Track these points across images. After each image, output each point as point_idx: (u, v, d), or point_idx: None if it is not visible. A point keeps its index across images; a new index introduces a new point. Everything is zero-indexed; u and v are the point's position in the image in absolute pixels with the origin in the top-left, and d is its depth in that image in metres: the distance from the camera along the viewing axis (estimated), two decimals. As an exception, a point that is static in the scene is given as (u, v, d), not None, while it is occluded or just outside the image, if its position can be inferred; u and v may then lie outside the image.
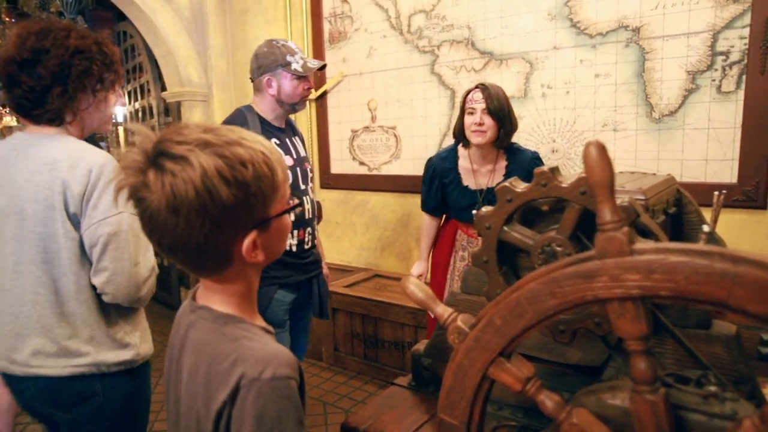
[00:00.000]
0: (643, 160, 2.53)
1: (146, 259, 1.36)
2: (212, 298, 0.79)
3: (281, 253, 0.81)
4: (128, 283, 1.31)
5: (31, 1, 5.37)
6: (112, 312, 1.38)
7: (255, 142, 0.72)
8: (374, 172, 3.49)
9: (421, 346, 1.18)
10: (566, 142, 2.73)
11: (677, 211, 1.22)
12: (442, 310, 0.76)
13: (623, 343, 0.63)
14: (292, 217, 0.79)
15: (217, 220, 0.68)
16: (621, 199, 0.79)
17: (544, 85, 2.74)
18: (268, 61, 2.05)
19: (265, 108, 2.12)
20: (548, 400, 0.69)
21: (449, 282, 2.32)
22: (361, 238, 3.64)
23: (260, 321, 0.82)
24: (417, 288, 0.78)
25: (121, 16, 4.42)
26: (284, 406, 0.69)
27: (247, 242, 0.72)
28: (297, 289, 2.12)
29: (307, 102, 2.16)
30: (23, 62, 1.23)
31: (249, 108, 2.16)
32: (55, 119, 1.31)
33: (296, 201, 0.77)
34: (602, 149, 0.60)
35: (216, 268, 0.75)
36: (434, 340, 1.13)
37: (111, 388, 1.37)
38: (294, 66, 2.03)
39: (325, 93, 3.61)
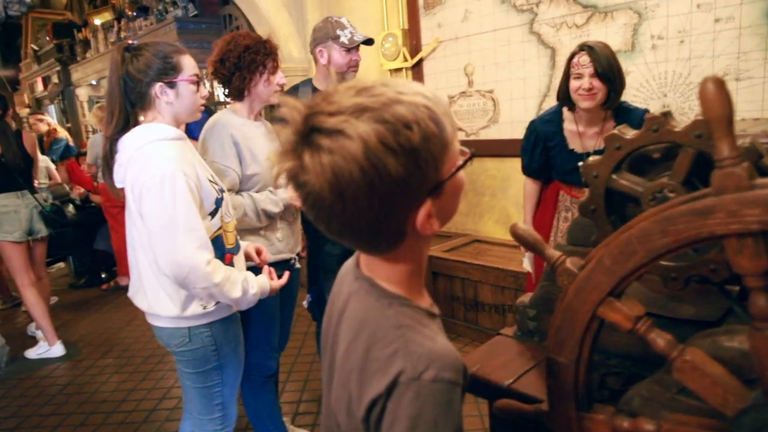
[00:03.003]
0: (772, 111, 2.31)
1: None
2: (378, 270, 0.72)
3: (456, 210, 0.72)
4: None
5: (148, -6, 5.84)
6: None
7: (415, 94, 0.61)
8: (472, 138, 3.48)
9: (525, 298, 1.20)
10: (680, 96, 2.55)
11: (810, 159, 1.13)
12: (552, 253, 0.79)
13: (742, 279, 0.62)
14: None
15: (387, 197, 0.60)
16: (743, 141, 0.76)
17: (655, 36, 2.56)
18: (320, 35, 2.32)
19: (320, 77, 2.39)
20: (660, 339, 0.70)
21: (552, 243, 2.29)
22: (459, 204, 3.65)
23: (426, 301, 0.75)
24: (526, 233, 0.81)
25: (227, 1, 4.70)
26: (441, 412, 0.62)
27: (421, 214, 0.63)
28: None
29: (356, 73, 2.41)
30: (220, 60, 1.86)
31: (306, 82, 2.45)
32: (238, 95, 1.91)
33: (468, 152, 0.67)
34: (720, 84, 0.59)
35: (389, 247, 0.67)
36: (540, 291, 1.15)
37: None
38: (342, 39, 2.28)
39: (421, 60, 3.63)
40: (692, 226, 0.62)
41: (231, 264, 1.58)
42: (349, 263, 0.79)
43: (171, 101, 1.49)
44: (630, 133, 0.87)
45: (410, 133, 0.59)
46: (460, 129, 3.53)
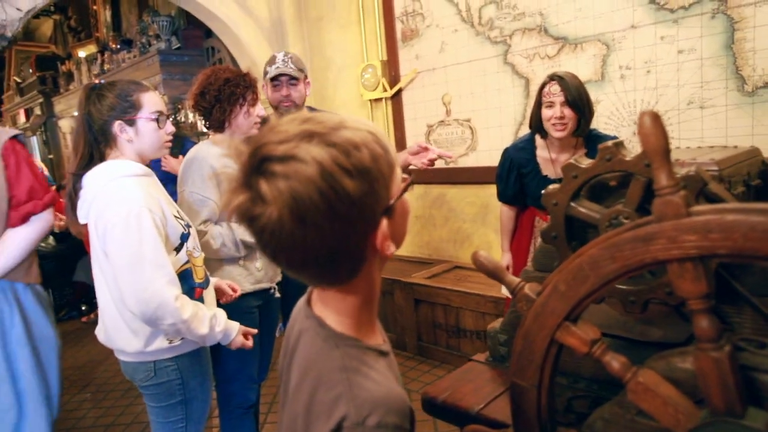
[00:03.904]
0: (735, 137, 2.39)
1: None
2: (329, 306, 0.71)
3: (405, 236, 0.72)
4: None
5: (132, 28, 5.91)
6: None
7: (357, 122, 0.65)
8: (451, 165, 3.53)
9: (496, 323, 1.22)
10: (649, 123, 2.62)
11: (763, 185, 1.18)
12: (511, 280, 0.81)
13: (685, 303, 0.65)
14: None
15: (347, 219, 0.60)
16: (688, 169, 0.80)
17: (623, 66, 2.66)
18: (262, 72, 2.35)
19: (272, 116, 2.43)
20: (614, 361, 0.72)
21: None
22: (440, 231, 3.69)
23: (377, 338, 0.75)
24: (486, 260, 0.84)
25: (209, 34, 4.77)
26: None
27: (380, 234, 0.64)
28: None
29: (290, 108, 2.31)
30: (200, 93, 1.89)
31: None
32: (218, 126, 1.93)
33: (408, 178, 0.70)
34: (656, 117, 0.63)
35: (349, 274, 0.67)
36: (509, 317, 1.17)
37: None
38: (269, 74, 2.28)
39: (400, 90, 3.70)
40: (637, 252, 0.65)
41: (201, 298, 1.58)
42: (302, 300, 0.78)
43: (131, 139, 1.50)
44: (585, 163, 0.91)
45: (360, 154, 0.60)
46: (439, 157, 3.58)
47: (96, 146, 1.50)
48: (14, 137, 1.84)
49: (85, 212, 1.48)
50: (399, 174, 0.68)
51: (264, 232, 0.60)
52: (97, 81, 1.54)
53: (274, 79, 2.28)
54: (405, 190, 0.68)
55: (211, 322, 1.50)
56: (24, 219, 1.83)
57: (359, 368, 0.66)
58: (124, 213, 1.39)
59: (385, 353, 0.74)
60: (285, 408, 0.74)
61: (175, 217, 1.55)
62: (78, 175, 1.50)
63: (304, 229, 0.59)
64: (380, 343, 0.74)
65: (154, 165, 3.34)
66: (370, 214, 0.63)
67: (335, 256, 0.63)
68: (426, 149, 2.13)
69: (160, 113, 1.54)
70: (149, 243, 1.39)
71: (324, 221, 0.59)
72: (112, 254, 1.40)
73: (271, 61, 2.34)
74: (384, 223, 0.64)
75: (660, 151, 0.63)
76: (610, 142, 0.87)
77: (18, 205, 1.81)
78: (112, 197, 1.42)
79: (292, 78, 2.28)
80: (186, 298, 1.46)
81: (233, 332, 1.58)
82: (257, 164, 0.59)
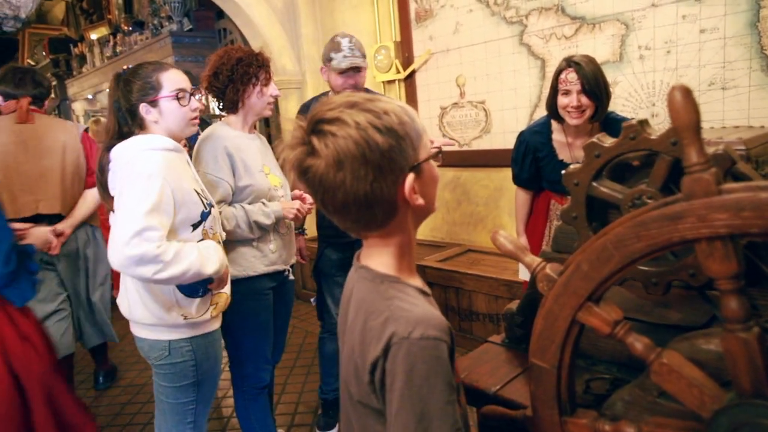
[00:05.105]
0: (759, 119, 2.33)
1: None
2: (373, 257, 0.85)
3: (434, 201, 0.86)
4: None
5: (144, 10, 5.89)
6: None
7: (390, 100, 0.80)
8: (464, 148, 3.50)
9: (513, 305, 1.21)
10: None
11: (789, 165, 1.15)
12: (531, 260, 0.80)
13: (714, 283, 0.64)
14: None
15: (378, 167, 0.74)
16: (716, 148, 0.78)
17: (642, 46, 2.60)
18: (322, 54, 2.39)
19: (331, 94, 2.42)
20: (638, 343, 0.71)
21: (543, 252, 2.31)
22: (453, 214, 3.67)
23: (417, 281, 0.86)
24: (506, 240, 0.83)
25: (221, 15, 4.74)
26: (433, 365, 0.72)
27: (407, 184, 0.77)
28: (343, 250, 2.37)
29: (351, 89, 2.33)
30: (213, 74, 1.89)
31: (321, 95, 2.51)
32: (231, 107, 1.92)
33: (437, 147, 0.83)
34: (687, 92, 0.61)
35: (384, 219, 0.79)
36: (526, 298, 1.16)
37: None
38: (334, 62, 2.29)
39: (413, 72, 3.66)
40: (664, 231, 0.64)
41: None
42: (354, 264, 0.92)
43: (156, 119, 1.53)
44: (608, 142, 0.89)
45: (389, 118, 0.76)
46: (452, 140, 3.55)
47: (128, 129, 1.54)
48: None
49: (114, 184, 1.50)
50: (427, 141, 0.82)
51: (314, 179, 0.76)
52: (124, 67, 1.56)
53: (335, 67, 2.26)
54: (432, 156, 0.82)
55: (203, 253, 1.46)
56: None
57: (402, 297, 0.79)
58: (141, 174, 1.42)
59: (426, 293, 0.85)
60: (344, 344, 0.87)
61: (199, 194, 1.56)
62: (107, 149, 1.52)
63: (343, 174, 0.74)
64: (421, 285, 0.86)
65: None
66: (398, 167, 0.77)
67: (369, 201, 0.76)
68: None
69: (181, 90, 1.54)
70: (146, 205, 1.36)
71: (359, 167, 0.74)
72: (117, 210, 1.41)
73: (336, 47, 2.28)
74: (410, 177, 0.78)
75: (691, 127, 0.61)
76: (634, 120, 0.85)
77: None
78: (134, 167, 1.44)
79: (359, 68, 2.30)
80: (168, 243, 1.38)
81: (222, 265, 1.54)
82: (312, 125, 0.76)
